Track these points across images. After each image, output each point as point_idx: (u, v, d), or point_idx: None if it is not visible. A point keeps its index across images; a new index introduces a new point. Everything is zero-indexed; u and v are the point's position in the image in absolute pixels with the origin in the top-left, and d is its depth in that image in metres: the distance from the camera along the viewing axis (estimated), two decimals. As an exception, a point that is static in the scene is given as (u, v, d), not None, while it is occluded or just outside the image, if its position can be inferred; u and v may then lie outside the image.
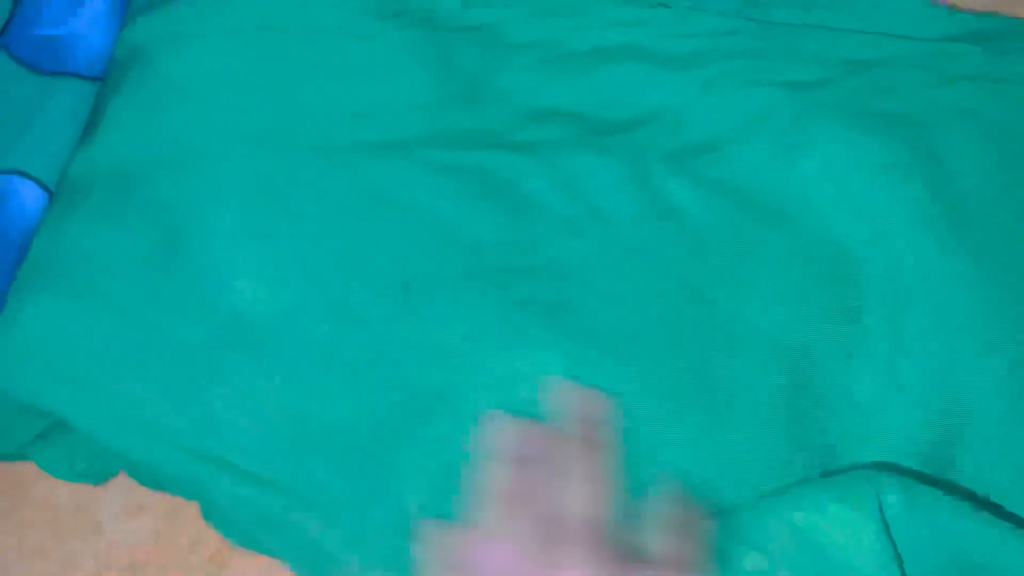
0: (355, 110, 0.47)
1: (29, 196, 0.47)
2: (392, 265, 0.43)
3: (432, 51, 0.49)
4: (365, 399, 0.41)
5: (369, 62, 0.48)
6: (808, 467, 0.39)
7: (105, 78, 0.50)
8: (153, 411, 0.41)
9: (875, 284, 0.42)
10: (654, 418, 0.40)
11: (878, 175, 0.44)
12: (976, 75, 0.47)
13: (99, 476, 0.45)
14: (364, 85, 0.48)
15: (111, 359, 0.42)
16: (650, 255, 0.44)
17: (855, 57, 0.48)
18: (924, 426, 0.40)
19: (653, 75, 0.48)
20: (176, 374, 0.42)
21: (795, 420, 0.40)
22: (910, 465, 0.39)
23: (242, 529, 0.42)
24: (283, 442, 0.41)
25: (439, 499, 0.39)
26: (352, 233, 0.44)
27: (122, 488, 0.44)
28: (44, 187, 0.47)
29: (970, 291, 0.41)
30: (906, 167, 0.44)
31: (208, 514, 0.43)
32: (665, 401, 0.40)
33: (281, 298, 0.43)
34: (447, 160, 0.46)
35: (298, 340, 0.42)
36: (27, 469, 0.45)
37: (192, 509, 0.43)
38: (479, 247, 0.44)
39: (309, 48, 0.48)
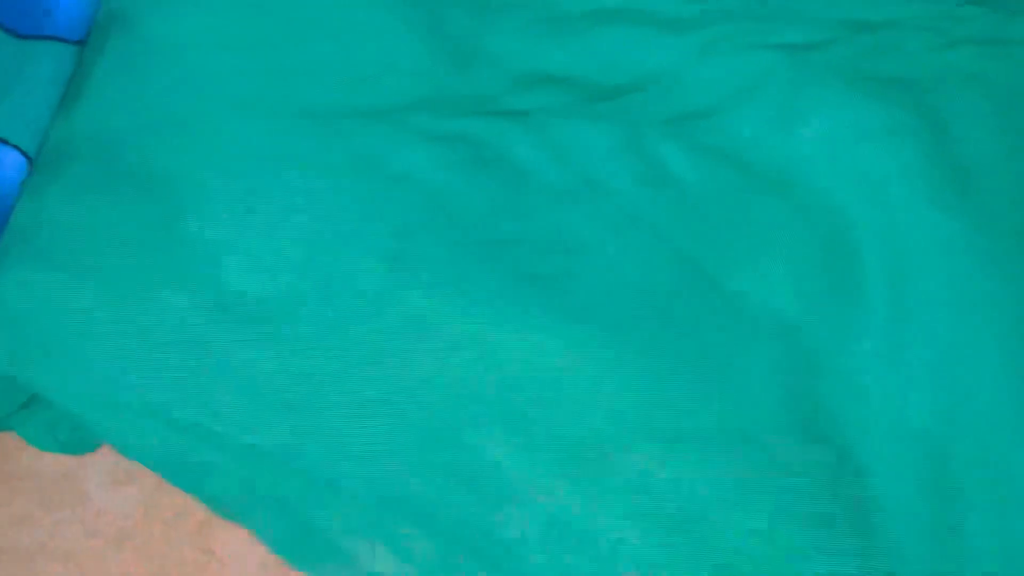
0: (346, 74, 0.46)
1: (10, 163, 0.46)
2: (384, 236, 0.42)
3: (423, 14, 0.48)
4: (358, 378, 0.40)
5: (359, 24, 0.47)
6: (802, 443, 0.38)
7: (88, 41, 0.49)
8: (136, 385, 0.41)
9: (876, 252, 0.41)
10: (648, 395, 0.39)
11: (879, 140, 0.43)
12: (982, 38, 0.45)
13: (82, 447, 0.45)
14: (354, 48, 0.47)
15: (94, 332, 0.41)
16: (645, 225, 0.43)
17: (857, 18, 0.46)
18: (923, 404, 0.39)
19: (650, 38, 0.47)
20: (164, 348, 0.41)
21: (792, 396, 0.39)
22: (907, 445, 0.39)
23: (228, 503, 0.42)
24: (275, 417, 0.40)
25: (432, 476, 0.39)
26: (345, 205, 0.43)
27: (109, 458, 0.45)
28: (25, 154, 0.46)
29: (973, 257, 0.40)
30: (908, 132, 0.42)
31: (192, 487, 0.43)
32: (661, 378, 0.40)
33: (276, 274, 0.42)
34: (438, 128, 0.45)
35: (292, 315, 0.41)
36: (11, 439, 0.45)
37: (178, 479, 0.43)
38: (470, 217, 0.43)
39: (297, 8, 0.47)
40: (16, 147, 0.46)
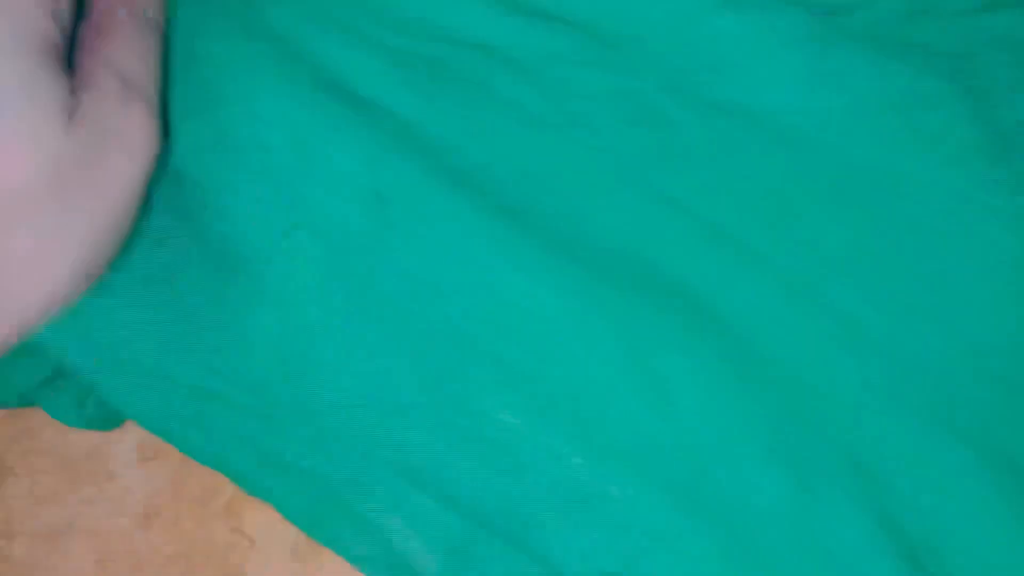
0: None
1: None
2: (362, 170, 0.40)
3: None
4: (363, 336, 0.39)
5: None
6: (812, 407, 0.38)
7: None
8: (153, 350, 0.40)
9: (903, 219, 0.40)
10: (638, 338, 0.38)
11: (912, 109, 0.42)
12: (1020, 0, 0.44)
13: (109, 422, 0.44)
14: None
15: (108, 295, 0.40)
16: (629, 165, 0.41)
17: None
18: (919, 336, 0.39)
19: None
20: (177, 312, 0.40)
21: (799, 359, 0.38)
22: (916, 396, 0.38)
23: (252, 478, 0.41)
24: (286, 380, 0.39)
25: (439, 440, 0.38)
26: (313, 137, 0.40)
27: (135, 435, 0.44)
28: None
29: (1006, 219, 0.40)
30: (943, 101, 0.41)
31: (216, 460, 0.42)
32: (649, 320, 0.38)
33: (267, 222, 0.40)
34: (400, 45, 0.42)
35: (288, 270, 0.39)
36: (36, 414, 0.44)
37: (205, 456, 0.42)
38: (439, 143, 0.40)
39: None
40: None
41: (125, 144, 0.34)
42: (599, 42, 0.43)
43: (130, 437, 0.44)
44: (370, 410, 0.38)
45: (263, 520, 0.42)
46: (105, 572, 0.43)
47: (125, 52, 0.36)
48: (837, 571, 0.37)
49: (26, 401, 0.44)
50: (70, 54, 0.35)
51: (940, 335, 0.39)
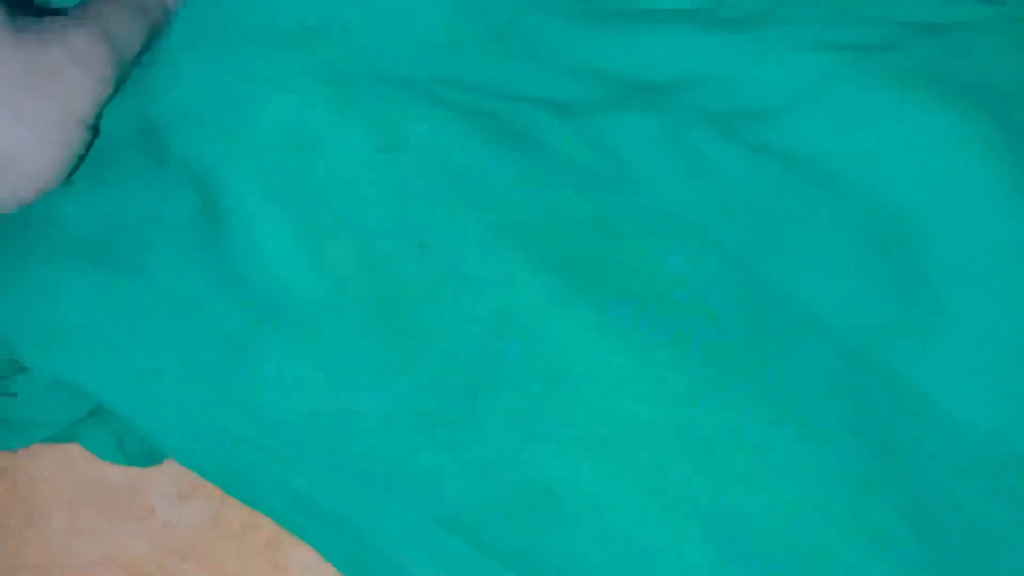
0: (369, 41, 0.45)
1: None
2: (414, 221, 0.41)
3: None
4: (403, 386, 0.40)
5: None
6: (879, 480, 0.37)
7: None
8: (194, 396, 0.40)
9: (945, 260, 0.40)
10: (702, 398, 0.38)
11: (955, 149, 0.41)
12: None
13: (149, 459, 0.44)
14: (377, 15, 0.45)
15: (152, 340, 0.41)
16: (684, 217, 0.41)
17: (923, 20, 0.45)
18: (992, 409, 0.39)
19: (702, 38, 0.45)
20: (217, 357, 0.40)
21: (854, 405, 0.38)
22: (975, 448, 0.38)
23: (290, 519, 0.42)
24: (322, 430, 0.40)
25: (480, 489, 0.38)
26: (370, 187, 0.42)
27: (174, 471, 0.44)
28: None
29: None
30: (987, 140, 0.41)
31: (254, 502, 0.42)
32: (715, 380, 0.39)
33: (312, 271, 0.41)
34: (463, 101, 0.43)
35: (330, 320, 0.40)
36: (76, 450, 0.45)
37: (245, 492, 0.43)
38: (498, 196, 0.41)
39: None
40: None
41: (78, 58, 0.38)
42: (644, 90, 0.44)
43: (169, 473, 0.44)
44: (410, 460, 0.39)
45: (304, 556, 0.42)
46: (143, 605, 0.43)
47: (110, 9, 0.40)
48: None
49: (66, 436, 0.45)
50: None
51: (1011, 400, 0.39)
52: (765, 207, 0.42)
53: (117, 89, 0.44)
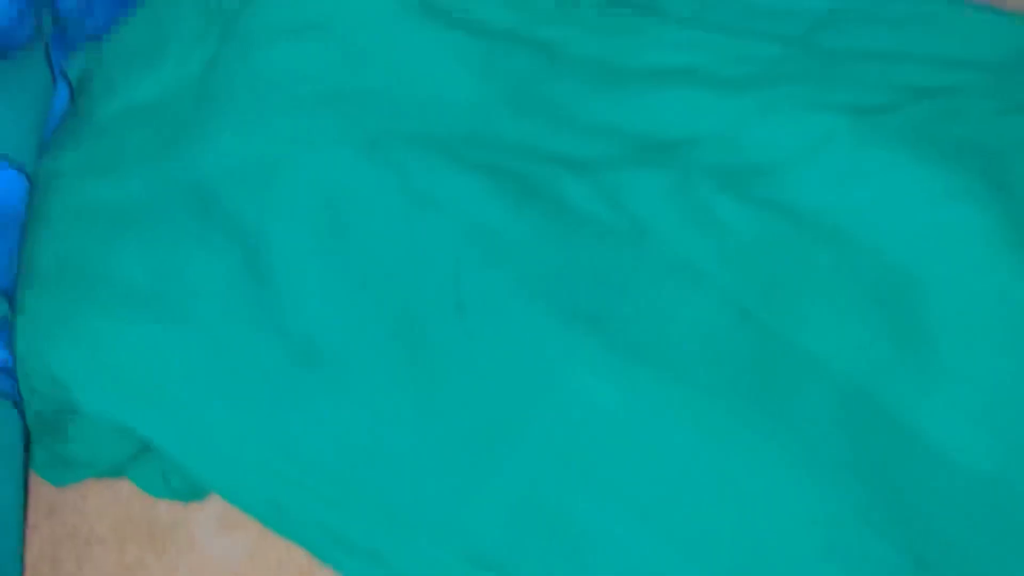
0: (402, 106, 0.48)
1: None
2: (445, 278, 0.44)
3: (478, 54, 0.49)
4: (434, 429, 0.42)
5: (411, 58, 0.49)
6: (878, 518, 0.39)
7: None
8: (237, 436, 0.43)
9: (942, 312, 0.43)
10: (711, 447, 0.41)
11: (947, 203, 0.44)
12: None
13: (193, 494, 0.47)
14: (410, 82, 0.49)
15: (199, 384, 0.44)
16: (694, 271, 0.44)
17: (919, 84, 0.48)
18: (991, 454, 0.40)
19: (707, 98, 0.48)
20: (259, 400, 0.43)
21: (857, 454, 0.40)
22: (973, 490, 0.40)
23: (325, 551, 0.44)
24: (357, 468, 0.42)
25: (509, 528, 0.41)
26: (403, 243, 0.45)
27: (217, 506, 0.47)
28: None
29: None
30: (976, 195, 0.44)
31: (291, 535, 0.45)
32: (724, 432, 0.41)
33: (348, 320, 0.44)
34: (488, 160, 0.46)
35: (366, 365, 0.43)
36: (125, 485, 0.47)
37: (283, 526, 0.45)
38: (522, 253, 0.44)
39: (354, 42, 0.49)
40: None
41: None
42: (656, 147, 0.47)
43: (212, 508, 0.47)
44: (441, 500, 0.41)
45: (338, 588, 0.45)
46: (184, 635, 0.46)
47: None
48: None
49: (116, 472, 0.47)
50: None
51: (1002, 440, 0.40)
52: (770, 259, 0.44)
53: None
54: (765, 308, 0.43)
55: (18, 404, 0.45)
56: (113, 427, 0.45)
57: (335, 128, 0.47)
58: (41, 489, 0.48)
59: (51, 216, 0.48)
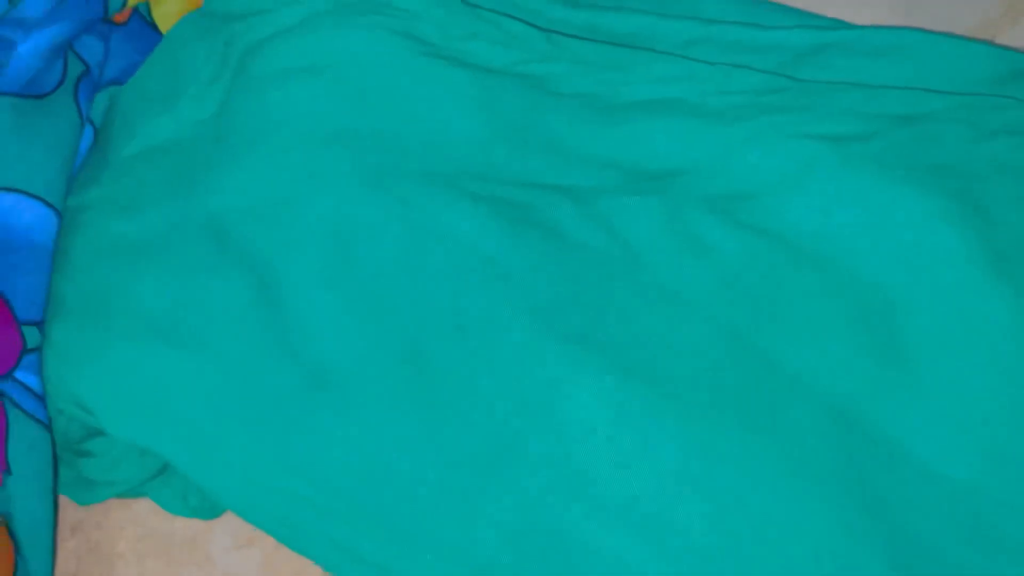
0: (402, 143, 0.50)
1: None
2: (446, 304, 0.46)
3: (476, 92, 0.51)
4: (436, 448, 0.44)
5: (413, 97, 0.51)
6: (863, 528, 0.41)
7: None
8: (251, 456, 0.45)
9: (920, 330, 0.44)
10: (693, 461, 0.42)
11: (923, 224, 0.46)
12: (1017, 128, 0.48)
13: (210, 512, 0.49)
14: (409, 117, 0.51)
15: (215, 407, 0.46)
16: (686, 296, 0.45)
17: (896, 112, 0.50)
18: (968, 462, 0.42)
19: (695, 129, 0.50)
20: (271, 422, 0.45)
21: (842, 467, 0.42)
22: (950, 497, 0.42)
23: (336, 566, 0.46)
24: (364, 486, 0.44)
25: (510, 542, 0.43)
26: (407, 271, 0.47)
27: (232, 523, 0.49)
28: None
29: (1015, 332, 0.43)
30: (953, 217, 0.45)
31: (304, 551, 0.47)
32: (719, 451, 0.42)
33: (356, 346, 0.46)
34: (488, 192, 0.48)
35: (373, 389, 0.45)
36: (144, 503, 0.50)
37: (295, 542, 0.47)
38: (520, 278, 0.46)
39: (359, 83, 0.51)
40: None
41: None
42: (648, 177, 0.49)
43: (227, 524, 0.49)
44: (443, 516, 0.43)
45: (347, 601, 0.47)
46: (202, 648, 0.48)
47: None
48: None
49: (137, 492, 0.50)
50: None
51: (982, 452, 0.42)
52: (757, 281, 0.46)
53: None
54: (753, 329, 0.45)
55: (49, 428, 0.48)
56: (135, 448, 0.48)
57: (342, 165, 0.49)
58: (67, 508, 0.51)
59: (75, 251, 0.51)
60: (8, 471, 0.45)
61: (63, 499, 0.51)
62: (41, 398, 0.48)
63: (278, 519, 0.46)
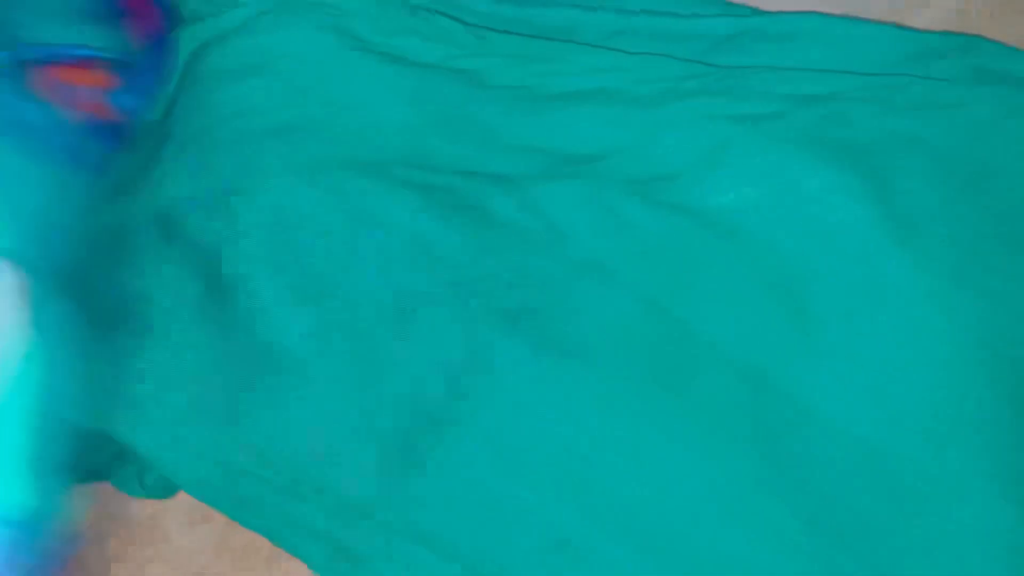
0: (338, 133, 0.53)
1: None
2: (385, 286, 0.49)
3: (409, 84, 0.54)
4: (375, 424, 0.47)
5: (347, 90, 0.54)
6: (773, 483, 0.44)
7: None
8: (203, 437, 0.48)
9: (826, 295, 0.47)
10: (636, 434, 0.45)
11: (829, 198, 0.49)
12: (920, 104, 0.51)
13: (165, 492, 0.52)
14: (343, 110, 0.53)
15: (168, 391, 0.49)
16: (607, 269, 0.48)
17: (806, 92, 0.52)
18: (869, 417, 0.45)
19: (618, 115, 0.53)
20: (224, 406, 0.48)
21: (754, 426, 0.45)
22: (853, 459, 0.45)
23: (284, 538, 0.49)
24: (311, 462, 0.47)
25: (449, 508, 0.46)
26: (345, 257, 0.50)
27: (187, 502, 0.52)
28: None
29: (914, 294, 0.46)
30: (855, 190, 0.48)
31: (254, 525, 0.49)
32: (647, 417, 0.46)
33: (301, 329, 0.49)
34: (420, 179, 0.51)
35: (318, 368, 0.48)
36: (106, 487, 0.53)
37: (246, 518, 0.50)
38: (453, 260, 0.49)
39: (295, 79, 0.54)
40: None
41: None
42: (572, 161, 0.52)
43: (182, 504, 0.52)
44: (385, 487, 0.46)
45: (295, 570, 0.49)
46: (164, 622, 0.51)
47: None
48: None
49: (96, 476, 0.52)
50: None
51: (881, 409, 0.45)
52: (674, 255, 0.49)
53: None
54: (670, 298, 0.48)
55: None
56: (92, 433, 0.50)
57: (280, 157, 0.52)
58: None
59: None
60: None
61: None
62: None
63: (230, 497, 0.49)
